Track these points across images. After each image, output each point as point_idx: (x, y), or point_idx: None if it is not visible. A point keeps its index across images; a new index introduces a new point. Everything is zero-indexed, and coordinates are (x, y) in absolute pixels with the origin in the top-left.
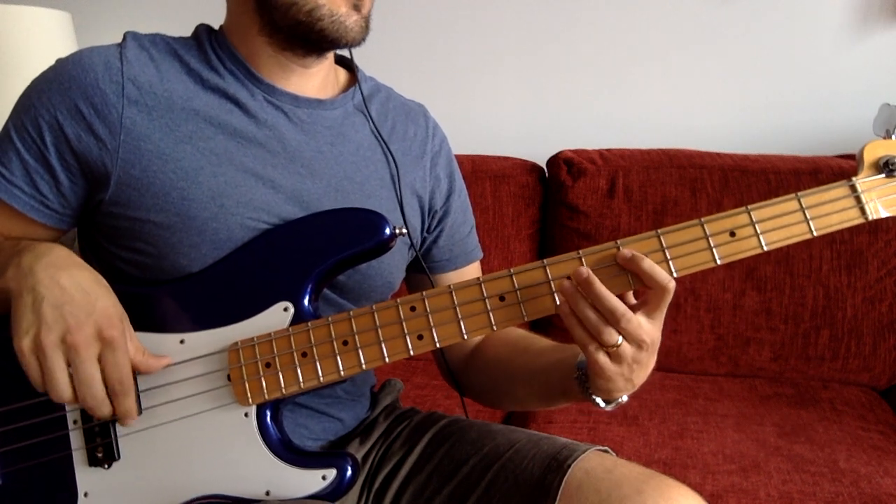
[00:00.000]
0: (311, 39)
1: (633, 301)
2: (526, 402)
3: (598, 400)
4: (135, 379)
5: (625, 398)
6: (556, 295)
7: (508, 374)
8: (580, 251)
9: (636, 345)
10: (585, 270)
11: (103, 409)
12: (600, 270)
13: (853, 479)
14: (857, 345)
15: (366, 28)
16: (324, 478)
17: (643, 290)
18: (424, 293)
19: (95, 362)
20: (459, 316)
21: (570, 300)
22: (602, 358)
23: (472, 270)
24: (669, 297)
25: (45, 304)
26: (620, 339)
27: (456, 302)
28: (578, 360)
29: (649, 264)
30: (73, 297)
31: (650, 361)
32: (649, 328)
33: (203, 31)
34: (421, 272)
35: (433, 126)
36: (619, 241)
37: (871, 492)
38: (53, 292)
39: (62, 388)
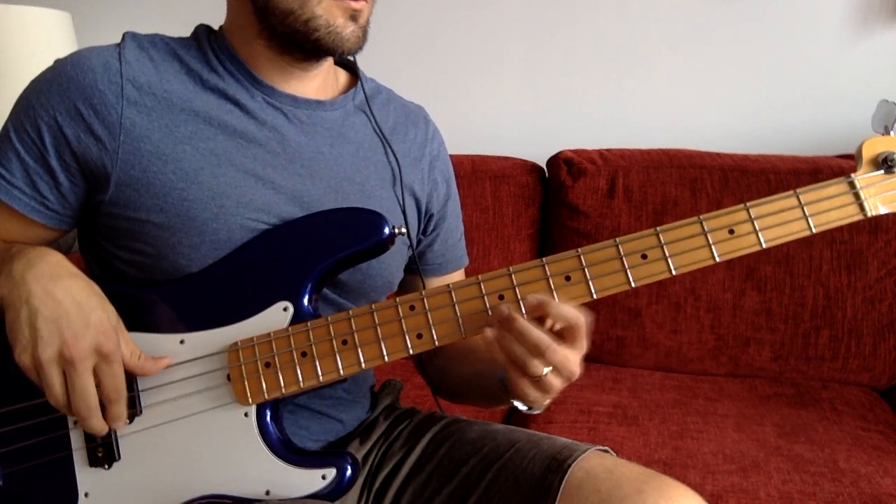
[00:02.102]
0: (307, 48)
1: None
2: (475, 402)
3: (520, 405)
4: (135, 381)
5: (546, 402)
6: (551, 280)
7: (455, 374)
8: (579, 249)
9: (566, 377)
10: (506, 308)
11: (95, 419)
12: (594, 268)
13: (853, 479)
14: (857, 345)
15: (363, 38)
16: (324, 477)
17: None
18: (423, 292)
19: (91, 375)
20: (458, 314)
21: (496, 334)
22: (528, 385)
23: (459, 276)
24: (584, 331)
25: (39, 318)
26: (546, 370)
27: (455, 300)
28: (500, 374)
29: (555, 309)
30: (67, 311)
31: None
32: (575, 358)
33: (203, 32)
34: (412, 273)
35: (433, 129)
36: (617, 240)
37: (871, 492)
38: (48, 305)
39: (58, 400)
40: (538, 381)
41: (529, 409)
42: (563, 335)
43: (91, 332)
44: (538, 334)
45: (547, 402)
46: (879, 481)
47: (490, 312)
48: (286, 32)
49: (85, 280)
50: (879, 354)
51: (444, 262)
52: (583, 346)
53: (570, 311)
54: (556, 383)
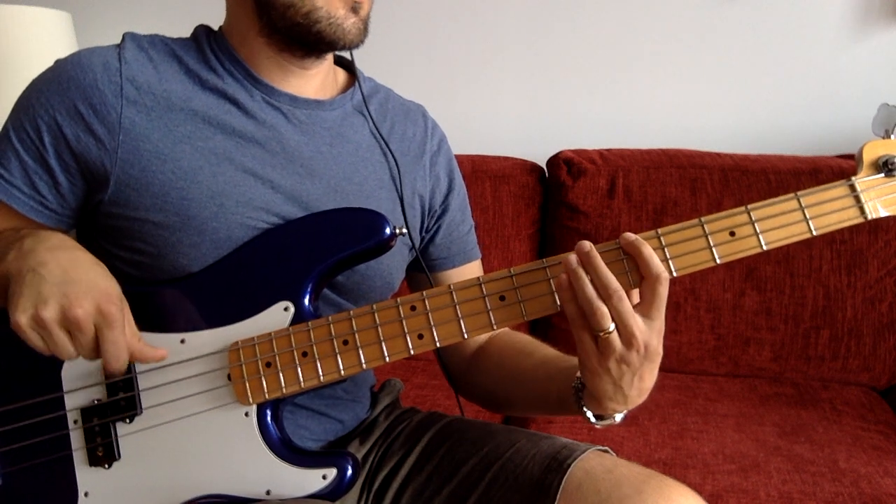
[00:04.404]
0: (309, 41)
1: (635, 299)
2: (522, 407)
3: (589, 414)
4: (135, 381)
5: (617, 419)
6: (551, 281)
7: (509, 376)
8: None
9: (626, 339)
10: (588, 244)
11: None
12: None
13: (853, 479)
14: (857, 345)
15: (364, 30)
16: (324, 477)
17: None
18: (424, 292)
19: (94, 336)
20: (460, 315)
21: (570, 273)
22: (590, 345)
23: (471, 269)
24: (663, 291)
25: (44, 282)
26: (612, 326)
27: (456, 301)
28: (575, 384)
29: (649, 251)
30: (71, 276)
31: (645, 372)
32: (642, 325)
33: (202, 32)
34: (421, 271)
35: (432, 126)
36: (618, 241)
37: (871, 492)
38: (54, 272)
39: (69, 354)
40: (602, 340)
41: (600, 418)
42: (641, 297)
43: (94, 294)
44: (611, 276)
45: (617, 417)
46: (879, 481)
47: (492, 315)
48: (286, 27)
49: (93, 256)
50: (879, 354)
51: (450, 256)
52: (656, 312)
53: (658, 263)
54: (618, 346)
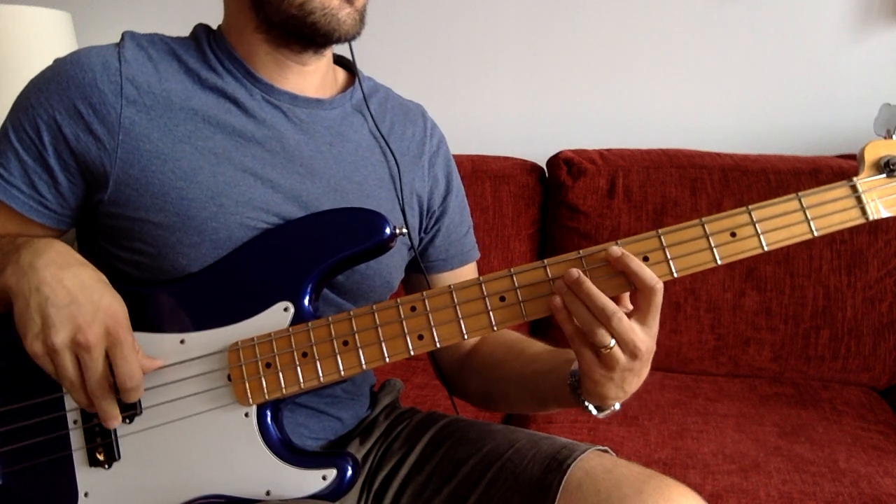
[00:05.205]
0: (304, 34)
1: (628, 305)
2: (518, 406)
3: (591, 406)
4: None
5: (617, 406)
6: (552, 283)
7: (503, 376)
8: (581, 251)
9: (629, 352)
10: (576, 272)
11: (110, 403)
12: (596, 270)
13: (853, 479)
14: (857, 345)
15: (360, 21)
16: (324, 478)
17: (635, 296)
18: (424, 293)
19: (104, 359)
20: (460, 315)
21: (564, 298)
22: (593, 360)
23: (469, 271)
24: (658, 300)
25: (49, 305)
26: (613, 342)
27: (456, 301)
28: (573, 367)
29: (637, 264)
30: (77, 297)
31: (643, 370)
32: (642, 335)
33: (201, 31)
34: (418, 272)
35: (431, 126)
36: (619, 242)
37: (871, 492)
38: (58, 292)
39: (74, 385)
40: (605, 355)
41: (599, 409)
42: (637, 305)
43: (101, 317)
44: (605, 299)
45: (617, 405)
46: (879, 481)
47: (492, 316)
48: (282, 20)
49: (92, 268)
50: (879, 354)
51: (449, 258)
52: (652, 320)
53: (649, 274)
54: (622, 359)
